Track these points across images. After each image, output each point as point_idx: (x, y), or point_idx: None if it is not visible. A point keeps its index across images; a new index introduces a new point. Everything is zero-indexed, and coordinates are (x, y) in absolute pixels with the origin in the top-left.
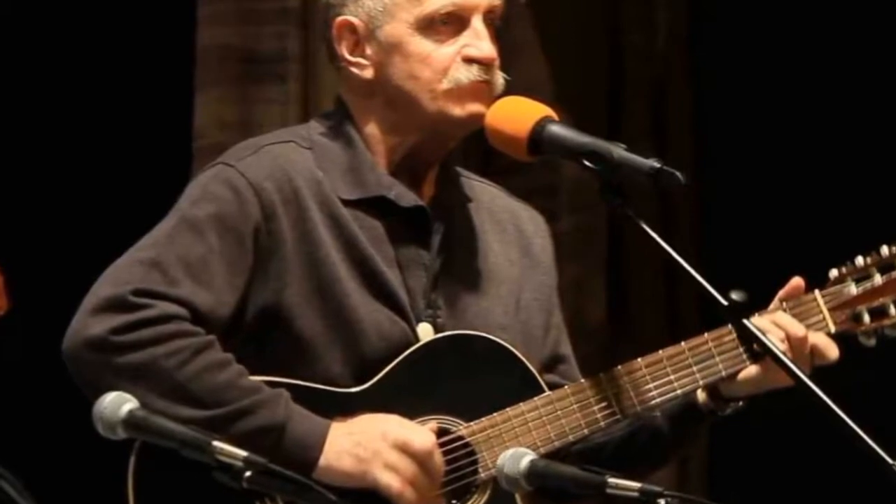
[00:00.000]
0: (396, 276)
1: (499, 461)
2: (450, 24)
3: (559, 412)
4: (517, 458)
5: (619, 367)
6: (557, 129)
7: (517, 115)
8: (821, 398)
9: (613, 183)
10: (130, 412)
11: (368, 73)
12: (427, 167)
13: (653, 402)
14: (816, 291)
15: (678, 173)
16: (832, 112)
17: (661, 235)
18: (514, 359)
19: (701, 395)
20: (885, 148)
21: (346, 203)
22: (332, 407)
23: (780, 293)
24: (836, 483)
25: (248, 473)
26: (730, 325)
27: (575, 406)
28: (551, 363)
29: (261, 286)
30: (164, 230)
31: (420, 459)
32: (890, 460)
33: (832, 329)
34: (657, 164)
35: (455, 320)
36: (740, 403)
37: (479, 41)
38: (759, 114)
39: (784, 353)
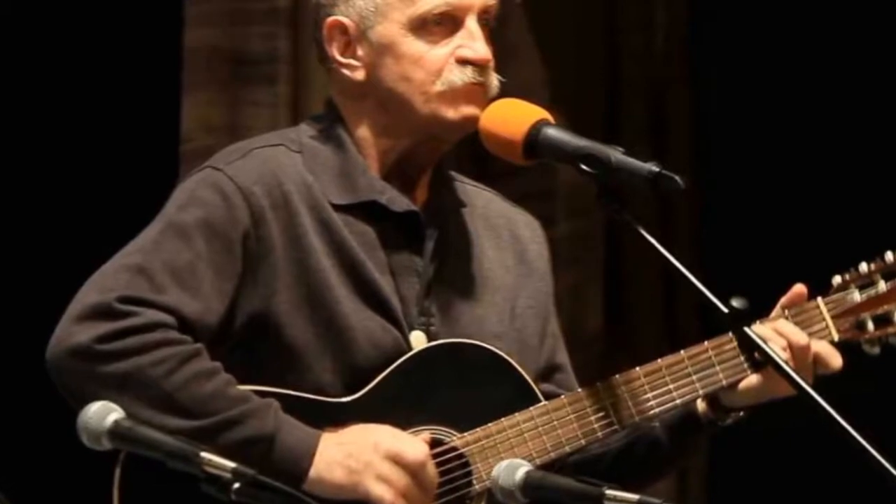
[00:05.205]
0: (389, 282)
1: (493, 472)
2: (443, 24)
3: (555, 422)
4: (512, 469)
5: (617, 376)
6: (554, 133)
7: (512, 117)
8: (823, 408)
9: (611, 187)
10: (116, 422)
11: (360, 75)
12: (420, 171)
13: (651, 412)
14: (819, 299)
15: (677, 177)
16: (834, 113)
17: (659, 240)
18: (509, 368)
19: (701, 405)
20: (888, 150)
21: (337, 208)
22: (323, 417)
23: (782, 300)
24: (838, 494)
25: (236, 485)
26: (730, 333)
27: (572, 416)
28: (547, 372)
29: (249, 293)
30: (151, 235)
31: (413, 471)
32: (894, 471)
33: (835, 337)
34: (656, 168)
35: (449, 328)
36: (741, 413)
37: (473, 42)
38: (758, 114)
39: (786, 362)
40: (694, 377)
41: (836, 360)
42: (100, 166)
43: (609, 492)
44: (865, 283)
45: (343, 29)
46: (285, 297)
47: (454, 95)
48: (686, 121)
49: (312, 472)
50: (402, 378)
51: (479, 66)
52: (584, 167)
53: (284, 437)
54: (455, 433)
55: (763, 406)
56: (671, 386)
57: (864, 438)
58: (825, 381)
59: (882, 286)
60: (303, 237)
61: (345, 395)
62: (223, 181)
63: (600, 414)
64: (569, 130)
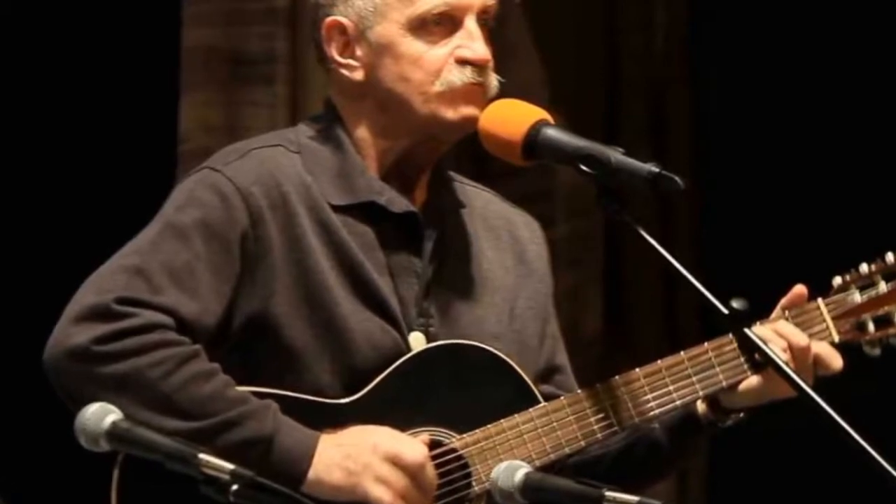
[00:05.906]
0: (388, 283)
1: (493, 474)
2: (442, 24)
3: (555, 424)
4: (511, 470)
5: (617, 377)
6: (553, 133)
7: (512, 118)
8: (824, 409)
9: (611, 188)
10: (114, 424)
11: (359, 75)
12: (419, 171)
13: (651, 413)
14: (819, 300)
15: (677, 178)
16: (834, 113)
17: (659, 241)
18: (509, 369)
19: (701, 407)
20: (888, 150)
21: (336, 209)
22: (322, 418)
23: (783, 301)
24: (838, 495)
25: (234, 487)
26: (730, 334)
27: (571, 417)
28: (547, 373)
29: (248, 294)
30: (149, 236)
31: (412, 472)
32: (894, 472)
33: (836, 338)
34: (656, 169)
35: (448, 329)
36: (741, 415)
37: (472, 42)
38: (758, 115)
39: (786, 363)
40: (694, 378)
41: (836, 361)
42: (98, 166)
43: (609, 493)
44: (866, 283)
45: (342, 29)
46: (284, 298)
47: (453, 96)
48: (686, 121)
49: (311, 474)
50: (401, 379)
51: (478, 66)
52: (583, 168)
53: (283, 438)
54: (454, 434)
55: (763, 407)
56: (671, 387)
57: (865, 439)
58: (826, 382)
59: (882, 287)
60: (301, 238)
61: (344, 397)
62: (221, 182)
63: (600, 415)
64: (568, 131)
